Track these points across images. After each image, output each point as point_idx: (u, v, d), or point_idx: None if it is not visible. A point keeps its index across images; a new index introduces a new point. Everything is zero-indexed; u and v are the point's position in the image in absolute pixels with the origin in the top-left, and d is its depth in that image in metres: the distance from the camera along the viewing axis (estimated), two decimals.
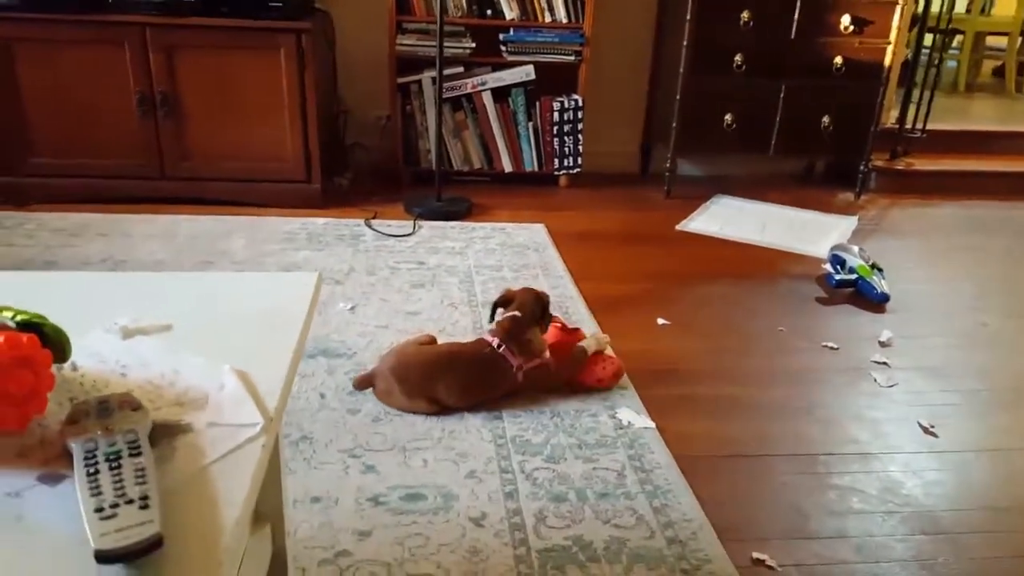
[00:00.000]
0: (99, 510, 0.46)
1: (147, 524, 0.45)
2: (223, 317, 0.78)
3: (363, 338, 1.69)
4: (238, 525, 0.49)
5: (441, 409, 1.41)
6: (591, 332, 1.66)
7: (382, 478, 1.24)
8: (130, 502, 0.47)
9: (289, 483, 1.21)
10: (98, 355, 0.69)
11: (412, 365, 1.42)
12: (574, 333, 1.59)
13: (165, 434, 0.58)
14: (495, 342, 1.46)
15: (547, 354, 1.49)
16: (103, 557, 0.44)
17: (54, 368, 0.62)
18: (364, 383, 1.46)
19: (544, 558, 1.09)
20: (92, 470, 0.50)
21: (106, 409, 0.56)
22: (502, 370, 1.44)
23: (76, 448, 0.51)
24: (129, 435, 0.53)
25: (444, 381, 1.41)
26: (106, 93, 2.31)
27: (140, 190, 2.41)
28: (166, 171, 2.41)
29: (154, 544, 0.45)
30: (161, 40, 2.27)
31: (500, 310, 1.52)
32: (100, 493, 0.48)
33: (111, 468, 0.50)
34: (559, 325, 1.59)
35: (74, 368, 0.66)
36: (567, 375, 1.50)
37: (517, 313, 1.48)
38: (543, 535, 1.13)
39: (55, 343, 0.59)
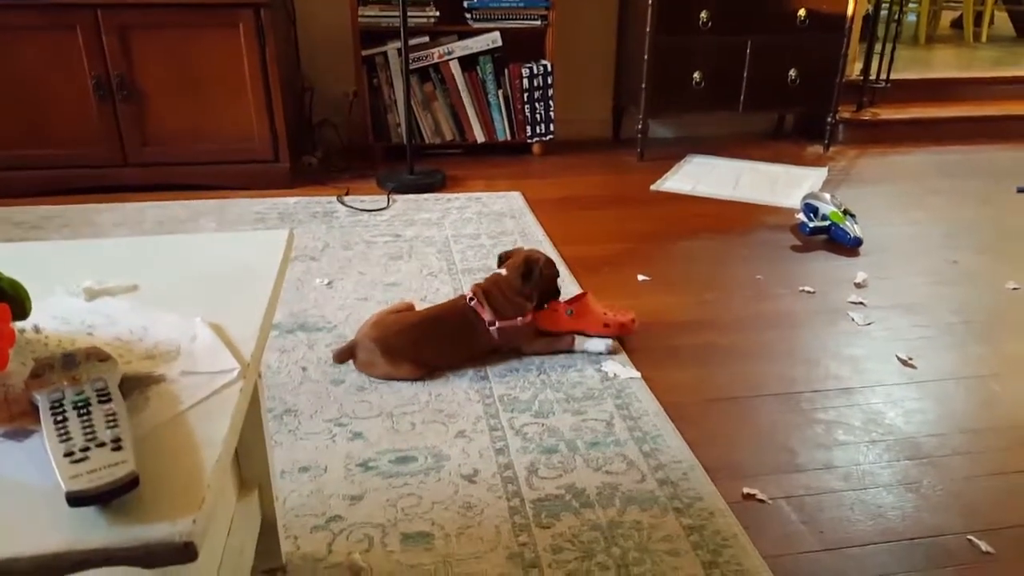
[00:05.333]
0: (69, 454, 0.45)
1: (120, 464, 0.44)
2: (192, 276, 0.76)
3: (342, 311, 1.66)
4: (219, 463, 0.48)
5: (427, 372, 1.41)
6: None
7: (370, 444, 1.23)
8: (101, 445, 0.45)
9: (276, 455, 1.20)
10: (62, 317, 0.67)
11: (393, 332, 1.40)
12: (578, 302, 1.54)
13: (137, 385, 0.56)
14: (468, 295, 1.47)
15: (528, 318, 1.48)
16: (76, 499, 0.42)
17: (16, 328, 0.60)
18: (345, 355, 1.44)
19: (538, 508, 1.09)
20: (60, 418, 0.48)
21: (72, 361, 0.54)
22: (476, 324, 1.45)
23: (41, 399, 0.49)
24: (97, 383, 0.51)
25: (426, 344, 1.41)
26: (60, 80, 2.22)
27: (103, 179, 2.33)
28: (128, 158, 2.34)
29: (129, 483, 0.43)
30: (114, 21, 2.18)
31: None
32: (69, 438, 0.46)
33: (80, 415, 0.48)
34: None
35: (36, 330, 0.64)
36: (547, 345, 1.49)
37: (502, 271, 1.50)
38: (536, 486, 1.13)
39: (12, 298, 0.57)
